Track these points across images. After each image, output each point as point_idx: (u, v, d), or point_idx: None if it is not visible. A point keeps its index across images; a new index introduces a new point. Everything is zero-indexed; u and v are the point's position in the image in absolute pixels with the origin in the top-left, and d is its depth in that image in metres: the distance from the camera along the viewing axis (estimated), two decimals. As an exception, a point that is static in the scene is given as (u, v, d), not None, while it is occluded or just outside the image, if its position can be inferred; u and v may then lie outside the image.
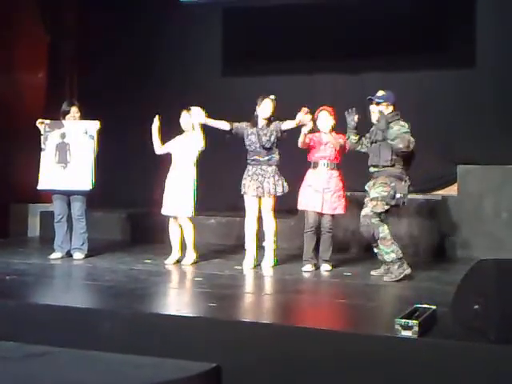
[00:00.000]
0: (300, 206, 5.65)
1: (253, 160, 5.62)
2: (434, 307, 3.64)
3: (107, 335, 3.75)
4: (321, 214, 5.54)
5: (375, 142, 5.19)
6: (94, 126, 5.93)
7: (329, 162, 5.54)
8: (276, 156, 5.63)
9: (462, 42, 7.35)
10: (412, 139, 5.01)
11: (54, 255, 5.99)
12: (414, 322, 3.28)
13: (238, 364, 3.46)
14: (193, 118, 5.66)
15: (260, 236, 5.77)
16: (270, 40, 7.74)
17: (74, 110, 6.04)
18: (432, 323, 3.51)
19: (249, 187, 5.58)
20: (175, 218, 5.78)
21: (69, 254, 6.02)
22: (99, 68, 8.38)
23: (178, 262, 5.81)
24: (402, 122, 5.10)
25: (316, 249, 5.59)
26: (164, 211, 5.81)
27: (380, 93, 5.24)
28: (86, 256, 6.00)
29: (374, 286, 4.97)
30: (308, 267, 5.51)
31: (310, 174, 5.60)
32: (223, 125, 5.68)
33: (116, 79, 8.30)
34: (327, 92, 7.56)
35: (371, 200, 5.10)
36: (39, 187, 6.03)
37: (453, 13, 7.37)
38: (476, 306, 3.33)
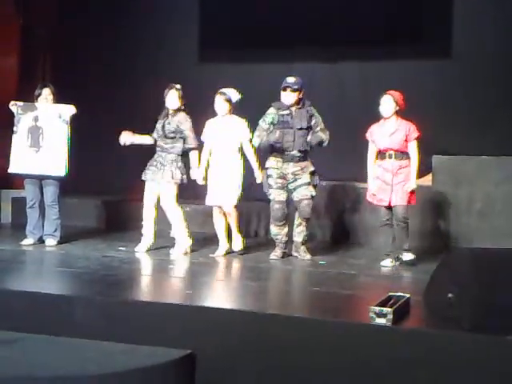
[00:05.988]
0: (369, 198, 5.39)
1: (158, 146, 5.67)
2: (407, 295, 3.67)
3: (80, 322, 3.71)
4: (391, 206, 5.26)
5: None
6: (69, 110, 5.81)
7: (395, 152, 5.21)
8: (179, 146, 5.57)
9: (438, 33, 7.39)
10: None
11: (25, 241, 5.89)
12: (388, 309, 3.30)
13: (212, 351, 3.45)
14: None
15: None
16: (248, 27, 7.69)
17: (47, 92, 5.89)
18: (406, 311, 3.54)
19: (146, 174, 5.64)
20: (220, 207, 5.65)
21: (41, 241, 5.92)
22: (73, 50, 8.24)
23: (228, 253, 5.66)
24: None
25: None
26: (209, 201, 5.68)
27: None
28: (59, 243, 5.90)
29: (349, 275, 4.98)
30: (387, 262, 5.26)
31: (377, 166, 5.28)
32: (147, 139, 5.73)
33: (91, 63, 8.17)
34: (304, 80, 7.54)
35: None
36: (10, 170, 5.90)
37: (429, 3, 7.41)
38: (450, 295, 3.36)
